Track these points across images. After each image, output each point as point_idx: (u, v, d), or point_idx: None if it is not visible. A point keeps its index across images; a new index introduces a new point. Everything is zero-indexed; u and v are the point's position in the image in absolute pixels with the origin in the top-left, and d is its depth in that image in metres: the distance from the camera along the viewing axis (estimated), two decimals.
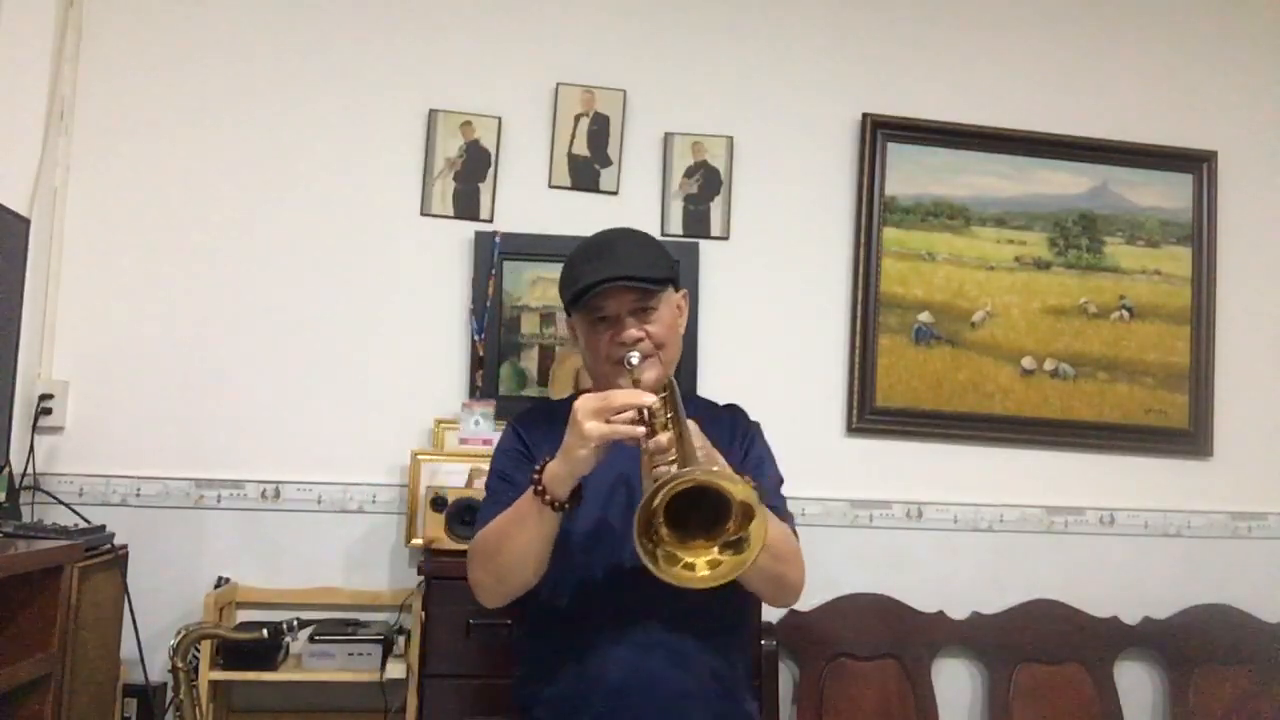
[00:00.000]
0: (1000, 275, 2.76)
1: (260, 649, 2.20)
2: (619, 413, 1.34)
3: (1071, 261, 2.80)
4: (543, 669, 1.57)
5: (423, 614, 2.08)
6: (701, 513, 1.25)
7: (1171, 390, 2.80)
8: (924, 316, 2.73)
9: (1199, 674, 2.65)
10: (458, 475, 2.29)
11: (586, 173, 2.64)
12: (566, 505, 1.40)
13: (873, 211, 2.72)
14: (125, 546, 2.15)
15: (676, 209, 2.67)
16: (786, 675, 2.57)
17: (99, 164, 2.48)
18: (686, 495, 1.22)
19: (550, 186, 2.63)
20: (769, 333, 2.68)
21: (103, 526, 2.10)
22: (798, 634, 2.52)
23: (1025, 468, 2.74)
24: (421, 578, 2.14)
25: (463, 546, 1.91)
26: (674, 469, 1.25)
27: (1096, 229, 2.81)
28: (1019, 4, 2.85)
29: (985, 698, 2.62)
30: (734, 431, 1.66)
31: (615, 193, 2.65)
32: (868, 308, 2.70)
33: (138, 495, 2.43)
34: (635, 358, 1.53)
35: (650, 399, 1.35)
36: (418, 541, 2.25)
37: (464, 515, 2.15)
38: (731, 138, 2.69)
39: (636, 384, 1.49)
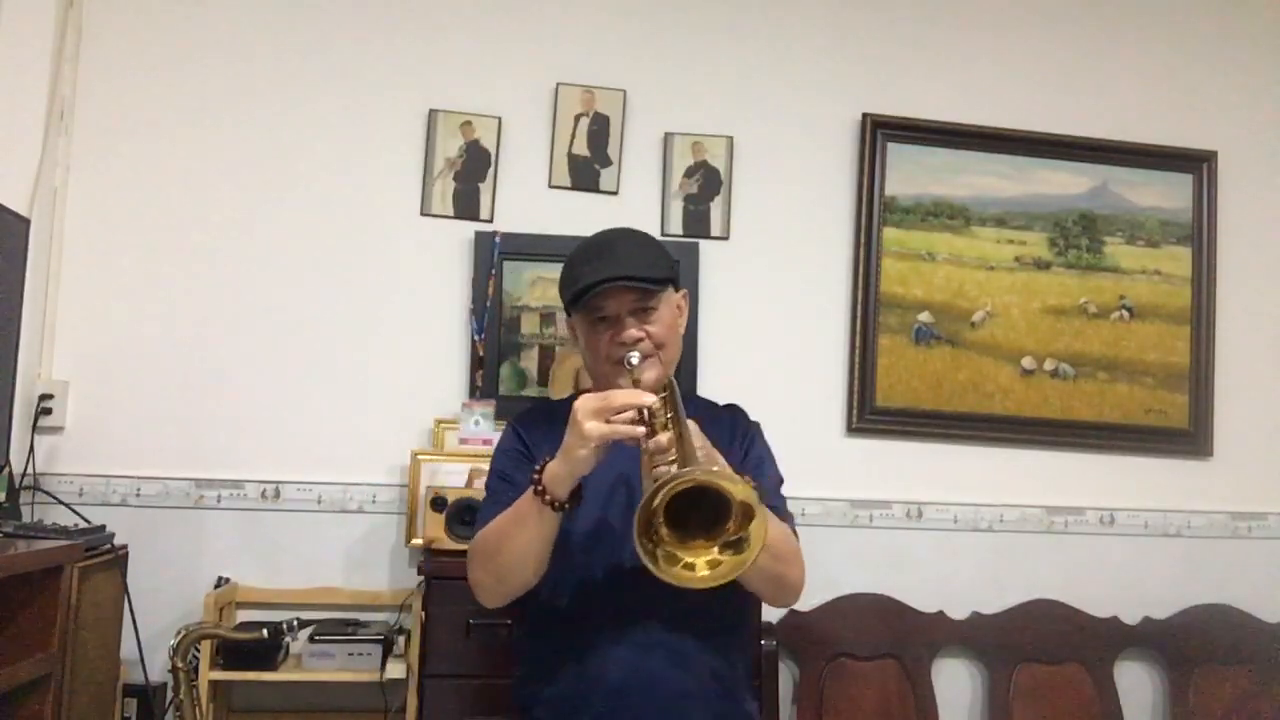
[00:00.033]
0: (1000, 275, 2.76)
1: (260, 649, 2.20)
2: (619, 413, 1.34)
3: (1071, 261, 2.80)
4: (543, 669, 1.57)
5: (423, 614, 2.08)
6: (701, 513, 1.25)
7: (1171, 390, 2.80)
8: (924, 316, 2.73)
9: (1199, 674, 2.65)
10: (458, 475, 2.29)
11: (586, 173, 2.64)
12: (566, 505, 1.40)
13: (873, 211, 2.72)
14: (125, 546, 2.15)
15: (676, 209, 2.67)
16: (786, 675, 2.57)
17: (99, 164, 2.48)
18: (686, 495, 1.22)
19: (550, 186, 2.64)
20: (769, 333, 2.68)
21: (103, 526, 2.10)
22: (798, 634, 2.52)
23: (1025, 468, 2.74)
24: (421, 578, 2.14)
25: (463, 546, 1.91)
26: (674, 469, 1.25)
27: (1096, 229, 2.81)
28: (1019, 4, 2.85)
29: (985, 698, 2.62)
30: (734, 431, 1.66)
31: (615, 193, 2.65)
32: (868, 308, 2.70)
33: (138, 495, 2.43)
34: (635, 358, 1.53)
35: (650, 399, 1.35)
36: (418, 541, 2.25)
37: (464, 515, 2.15)
38: (731, 138, 2.69)
39: (636, 384, 1.49)
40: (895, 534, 2.68)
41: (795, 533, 1.57)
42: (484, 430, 2.38)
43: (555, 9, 2.67)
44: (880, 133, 2.73)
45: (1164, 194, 2.85)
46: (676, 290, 1.66)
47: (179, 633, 1.83)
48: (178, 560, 2.41)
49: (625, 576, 1.36)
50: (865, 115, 2.73)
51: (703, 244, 2.65)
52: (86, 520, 2.14)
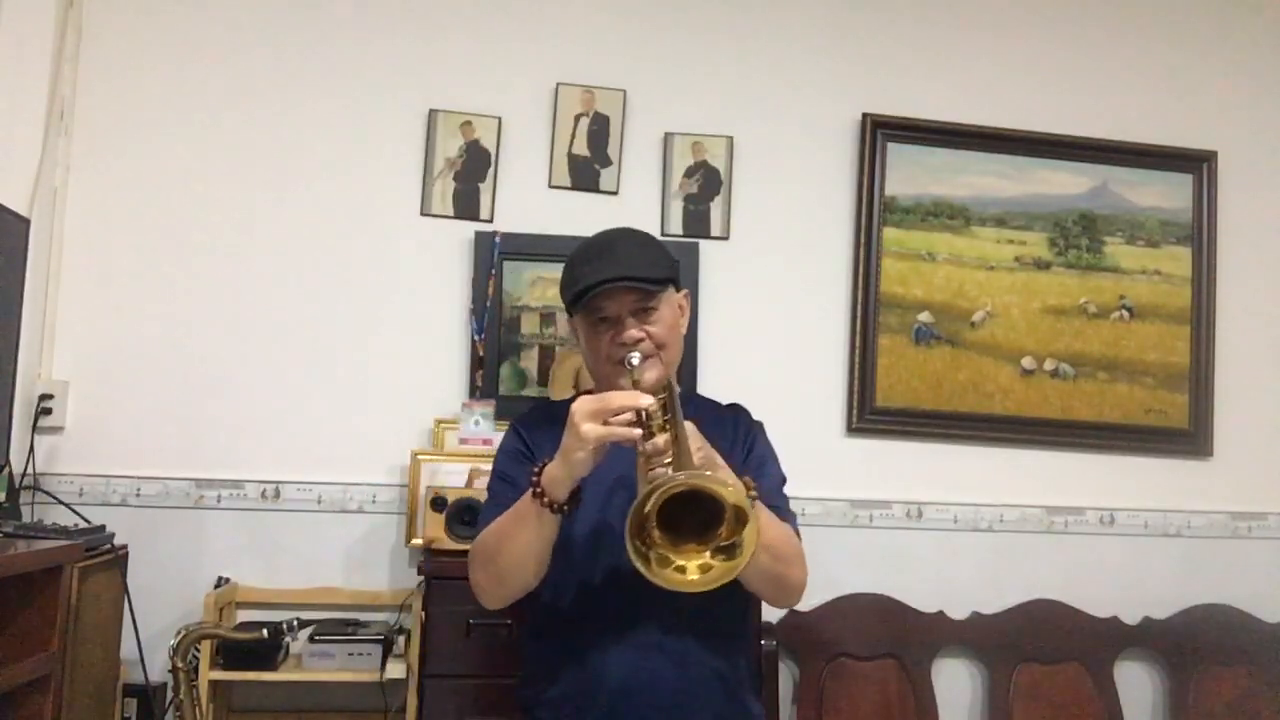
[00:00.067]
0: (1000, 275, 2.76)
1: (260, 649, 2.20)
2: (616, 414, 1.33)
3: (1071, 261, 2.80)
4: (545, 670, 1.57)
5: (423, 614, 2.08)
6: (695, 516, 1.25)
7: (1171, 390, 2.80)
8: (924, 316, 2.73)
9: (1199, 674, 2.65)
10: (458, 475, 2.29)
11: (586, 173, 2.64)
12: (565, 507, 1.39)
13: (873, 211, 2.72)
14: (125, 546, 2.15)
15: (676, 209, 2.67)
16: (786, 675, 2.57)
17: (99, 164, 2.48)
18: (680, 498, 1.22)
19: (550, 186, 2.63)
20: (769, 333, 2.68)
21: (103, 526, 2.10)
22: (798, 634, 2.52)
23: (1025, 468, 2.74)
24: (421, 578, 2.14)
25: (463, 546, 1.92)
26: (669, 472, 1.25)
27: (1096, 229, 2.81)
28: (1019, 4, 2.85)
29: (985, 698, 2.62)
30: (736, 431, 1.66)
31: (615, 193, 2.65)
32: (868, 308, 2.70)
33: (138, 495, 2.43)
34: (636, 358, 1.53)
35: (647, 401, 1.35)
36: (418, 541, 2.25)
37: (464, 515, 2.15)
38: (731, 138, 2.69)
39: (637, 384, 1.49)
40: (895, 534, 2.68)
41: (798, 533, 1.56)
42: (484, 430, 2.38)
43: (555, 9, 2.67)
44: (880, 133, 2.73)
45: (1164, 194, 2.85)
46: (678, 290, 1.65)
47: (179, 633, 1.83)
48: (178, 560, 2.41)
49: (626, 578, 1.35)
50: (865, 115, 2.73)
51: (703, 244, 2.65)
52: (86, 520, 2.14)
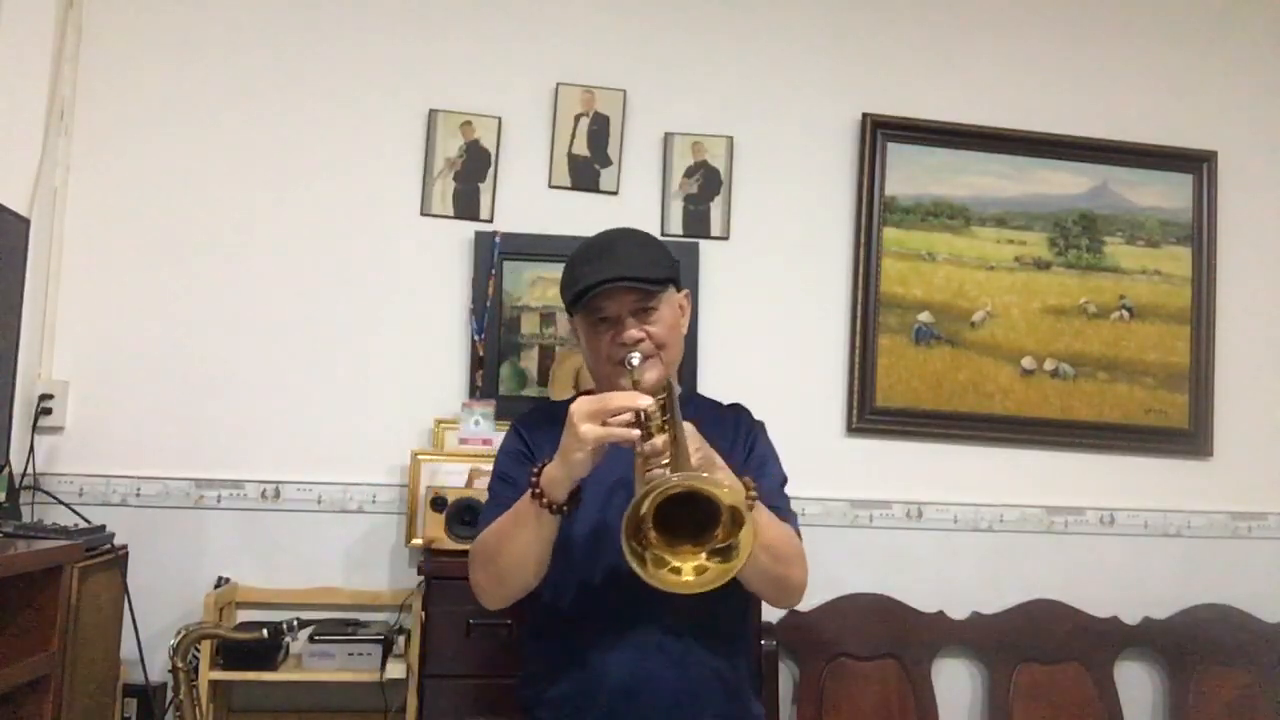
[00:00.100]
0: (1000, 275, 2.76)
1: (260, 649, 2.20)
2: (615, 415, 1.33)
3: (1071, 261, 2.80)
4: (545, 670, 1.57)
5: (423, 614, 2.08)
6: (692, 517, 1.25)
7: (1171, 390, 2.80)
8: (924, 316, 2.73)
9: (1199, 674, 2.65)
10: (458, 475, 2.29)
11: (586, 173, 2.64)
12: (565, 508, 1.39)
13: (873, 211, 2.72)
14: (125, 546, 2.15)
15: (676, 209, 2.67)
16: (786, 675, 2.57)
17: (99, 164, 2.48)
18: (677, 500, 1.22)
19: (550, 186, 2.63)
20: (769, 333, 2.68)
21: (103, 526, 2.10)
22: (798, 634, 2.52)
23: (1025, 468, 2.74)
24: (421, 578, 2.14)
25: (463, 547, 1.92)
26: (666, 473, 1.25)
27: (1096, 229, 2.81)
28: (1019, 4, 2.85)
29: (985, 698, 2.62)
30: (737, 431, 1.66)
31: (615, 193, 2.65)
32: (868, 308, 2.70)
33: (138, 495, 2.43)
34: (636, 358, 1.53)
35: (646, 401, 1.35)
36: (418, 541, 2.25)
37: (464, 515, 2.15)
38: (731, 138, 2.69)
39: (637, 385, 1.49)
40: (895, 534, 2.68)
41: (799, 533, 1.56)
42: (484, 430, 2.38)
43: (555, 9, 2.67)
44: (880, 133, 2.73)
45: (1164, 194, 2.85)
46: (678, 290, 1.65)
47: (179, 633, 1.83)
48: (178, 560, 2.41)
49: (626, 578, 1.35)
50: (865, 115, 2.73)
51: (703, 244, 2.65)
52: (86, 520, 2.14)
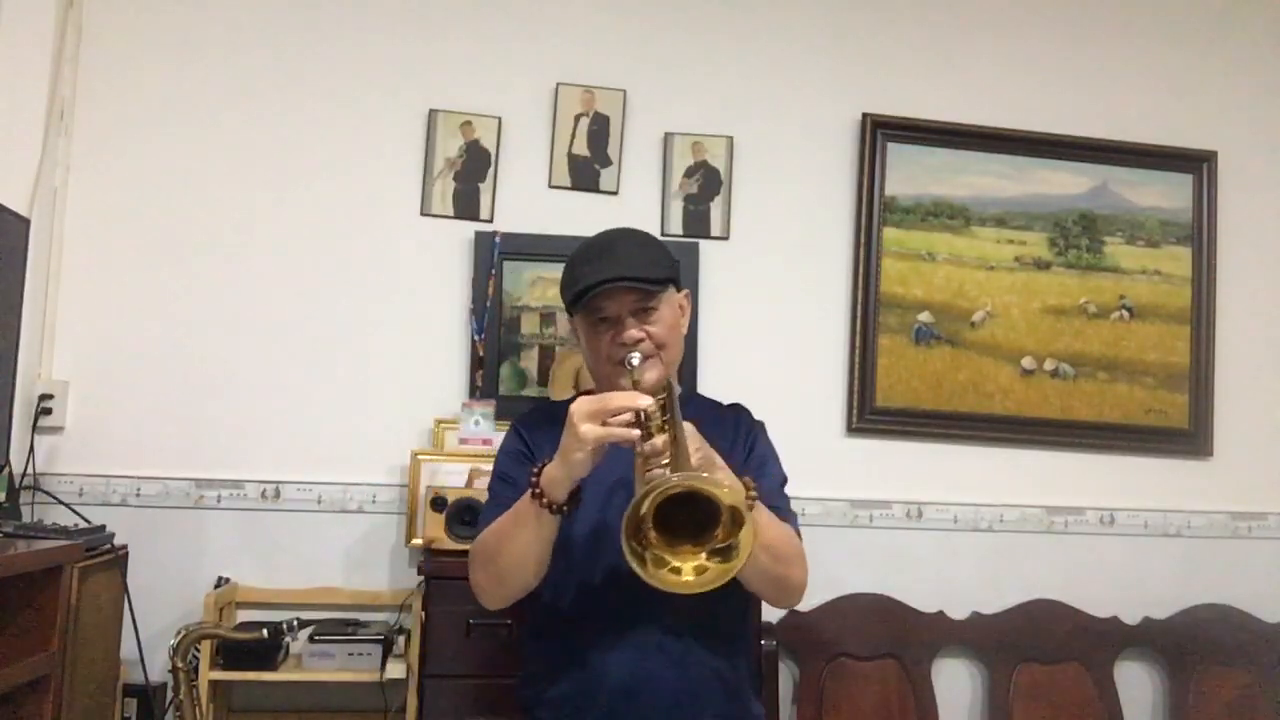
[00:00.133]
0: (1000, 275, 2.76)
1: (260, 649, 2.20)
2: (615, 415, 1.33)
3: (1071, 261, 2.80)
4: (545, 670, 1.57)
5: (423, 614, 2.08)
6: (692, 517, 1.25)
7: (1171, 390, 2.80)
8: (924, 316, 2.73)
9: (1199, 674, 2.65)
10: (458, 475, 2.29)
11: (586, 173, 2.64)
12: (564, 508, 1.39)
13: (873, 211, 2.72)
14: (125, 546, 2.15)
15: (676, 209, 2.67)
16: (786, 675, 2.57)
17: (99, 164, 2.48)
18: (676, 500, 1.22)
19: (550, 186, 2.63)
20: (769, 333, 2.68)
21: (103, 526, 2.10)
22: (798, 634, 2.52)
23: (1025, 468, 2.74)
24: (421, 578, 2.14)
25: (463, 546, 1.92)
26: (666, 473, 1.25)
27: (1096, 229, 2.81)
28: (1019, 4, 2.85)
29: (985, 698, 2.62)
30: (737, 431, 1.66)
31: (615, 193, 2.65)
32: (868, 308, 2.70)
33: (138, 495, 2.43)
34: (636, 358, 1.53)
35: (646, 401, 1.35)
36: (418, 541, 2.25)
37: (464, 515, 2.15)
38: (731, 138, 2.69)
39: (637, 385, 1.49)
40: (895, 534, 2.68)
41: (799, 533, 1.56)
42: (484, 430, 2.38)
43: (555, 9, 2.67)
44: (880, 133, 2.73)
45: (1164, 194, 2.85)
46: (678, 290, 1.65)
47: (179, 633, 1.83)
48: (178, 560, 2.41)
49: (626, 579, 1.35)
50: (865, 115, 2.73)
51: (703, 244, 2.65)
52: (86, 520, 2.14)
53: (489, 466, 1.69)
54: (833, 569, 2.57)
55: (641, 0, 2.71)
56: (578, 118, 2.64)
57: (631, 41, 2.69)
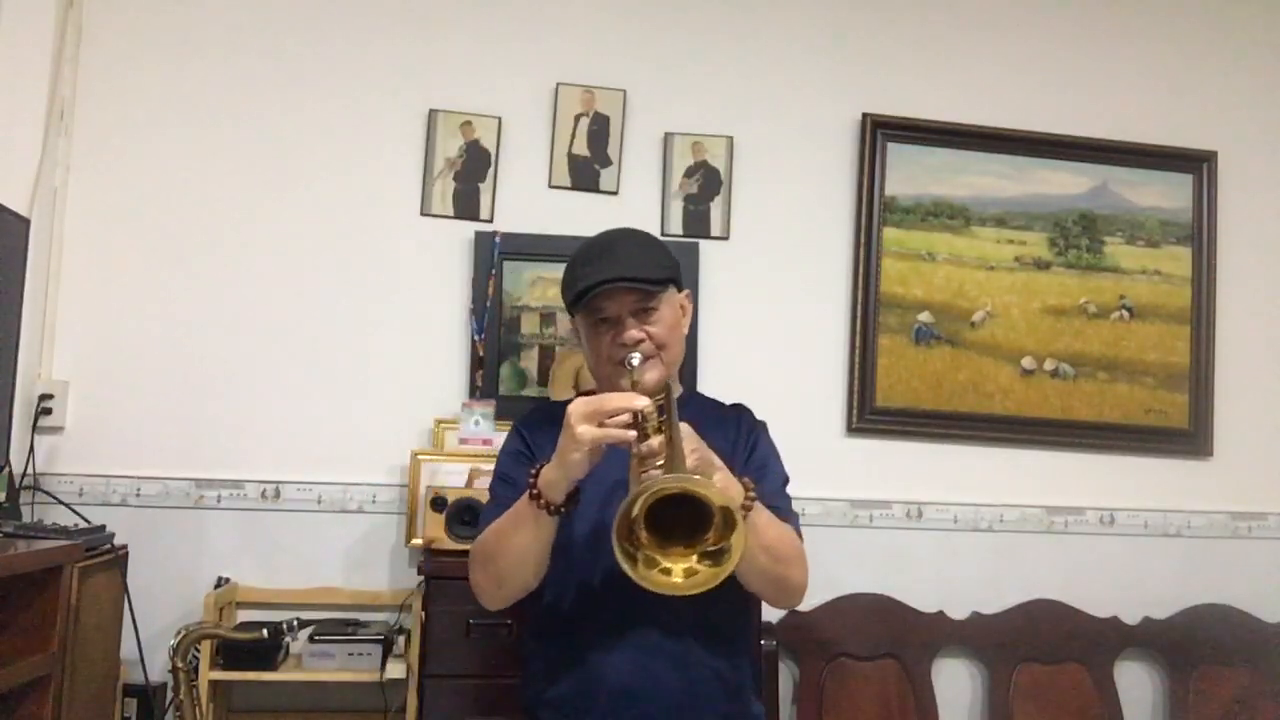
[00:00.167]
0: (1000, 275, 2.76)
1: (260, 649, 2.20)
2: (612, 416, 1.33)
3: (1071, 261, 2.80)
4: (546, 671, 1.57)
5: (423, 614, 2.08)
6: (685, 518, 1.25)
7: (1171, 390, 2.80)
8: (924, 316, 2.73)
9: (1199, 674, 2.65)
10: (458, 475, 2.29)
11: (586, 173, 2.64)
12: (563, 509, 1.39)
13: (873, 211, 2.72)
14: (125, 546, 2.15)
15: (676, 209, 2.67)
16: (786, 675, 2.57)
17: (99, 164, 2.48)
18: (670, 501, 1.22)
19: (550, 186, 2.63)
20: (769, 333, 2.68)
21: (103, 526, 2.10)
22: (798, 634, 2.52)
23: (1025, 468, 2.74)
24: (421, 578, 2.14)
25: (463, 547, 1.92)
26: (661, 474, 1.25)
27: (1096, 229, 2.81)
28: (1019, 4, 2.85)
29: (985, 698, 2.62)
30: (738, 431, 1.65)
31: (615, 193, 2.65)
32: (868, 308, 2.70)
33: (138, 495, 2.43)
34: (636, 359, 1.53)
35: (643, 402, 1.35)
36: (418, 541, 2.25)
37: (464, 515, 2.15)
38: (731, 138, 2.69)
39: (637, 385, 1.49)
40: (895, 534, 2.68)
41: (799, 533, 1.56)
42: (484, 430, 2.38)
43: (555, 9, 2.67)
44: (880, 133, 2.73)
45: (1164, 194, 2.85)
46: (679, 290, 1.65)
47: (179, 633, 1.83)
48: (178, 560, 2.41)
49: (626, 579, 1.35)
50: (865, 115, 2.73)
51: (703, 244, 2.65)
52: (86, 520, 2.14)
53: (489, 466, 1.69)
54: (833, 569, 2.57)
55: (641, 0, 2.71)
56: (578, 118, 2.64)
57: (631, 41, 2.69)
